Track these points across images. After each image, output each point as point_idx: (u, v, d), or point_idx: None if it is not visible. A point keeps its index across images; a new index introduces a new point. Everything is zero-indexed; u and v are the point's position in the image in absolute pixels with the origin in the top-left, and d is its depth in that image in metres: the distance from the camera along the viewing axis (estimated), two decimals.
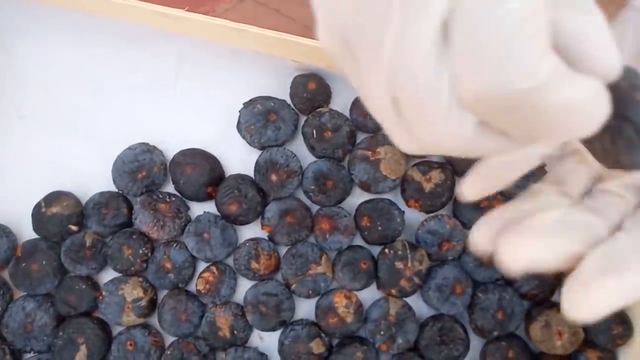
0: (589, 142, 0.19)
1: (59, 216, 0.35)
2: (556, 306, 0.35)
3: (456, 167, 0.36)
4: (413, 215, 0.36)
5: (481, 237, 0.21)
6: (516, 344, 0.34)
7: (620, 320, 0.34)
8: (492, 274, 0.35)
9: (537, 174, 0.29)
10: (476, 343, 0.36)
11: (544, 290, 0.35)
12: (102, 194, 0.36)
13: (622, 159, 0.18)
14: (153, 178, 0.35)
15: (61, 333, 0.34)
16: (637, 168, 0.18)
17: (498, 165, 0.22)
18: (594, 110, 0.16)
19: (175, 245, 0.35)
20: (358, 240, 0.36)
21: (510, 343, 0.34)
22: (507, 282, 0.36)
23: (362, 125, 0.36)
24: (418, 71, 0.15)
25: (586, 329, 0.34)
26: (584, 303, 0.18)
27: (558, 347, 0.33)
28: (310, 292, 0.34)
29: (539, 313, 0.34)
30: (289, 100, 0.36)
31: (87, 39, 0.37)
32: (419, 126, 0.16)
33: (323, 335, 0.34)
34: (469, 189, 0.23)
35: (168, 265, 0.34)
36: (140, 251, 0.34)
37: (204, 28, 0.34)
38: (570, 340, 0.33)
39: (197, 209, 0.36)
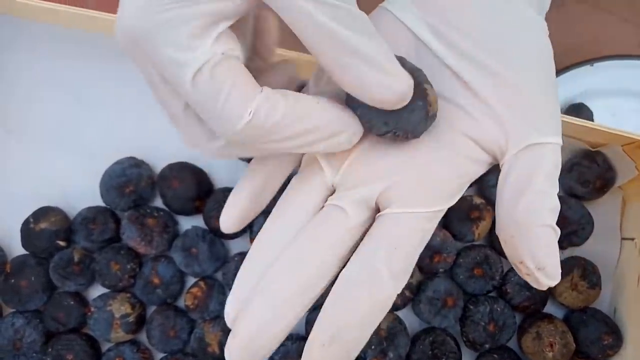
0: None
1: (47, 232, 0.35)
2: (547, 317, 0.34)
3: None
4: None
5: (231, 311, 0.21)
6: (508, 357, 0.34)
7: (610, 331, 0.34)
8: (484, 285, 0.35)
9: None
10: (468, 356, 0.35)
11: (535, 302, 0.35)
12: (89, 209, 0.35)
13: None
14: (141, 192, 0.35)
15: (50, 350, 0.34)
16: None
17: (254, 185, 0.23)
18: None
19: (163, 260, 0.35)
20: None
21: (502, 356, 0.34)
22: (499, 294, 0.36)
23: None
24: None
25: (577, 339, 0.34)
26: None
27: (549, 358, 0.33)
28: None
29: (530, 325, 0.34)
30: None
31: (74, 53, 0.37)
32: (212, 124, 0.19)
33: None
34: (227, 219, 0.23)
35: (156, 280, 0.34)
36: (128, 266, 0.34)
37: None
38: (561, 352, 0.33)
39: (185, 223, 0.36)
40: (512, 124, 0.21)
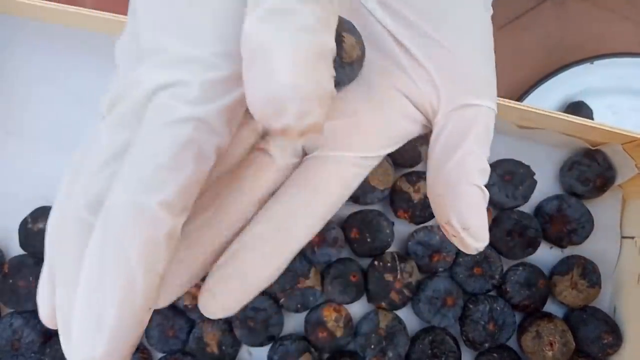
0: None
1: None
2: (547, 316, 0.34)
3: None
4: (403, 227, 0.36)
5: None
6: (508, 356, 0.34)
7: (610, 330, 0.34)
8: (483, 285, 0.35)
9: None
10: (468, 355, 0.35)
11: (535, 301, 0.35)
12: None
13: None
14: None
15: (48, 350, 0.34)
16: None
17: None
18: None
19: None
20: (347, 253, 0.36)
21: (501, 355, 0.34)
22: (499, 293, 0.36)
23: None
24: None
25: (577, 338, 0.34)
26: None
27: (549, 357, 0.33)
28: (299, 306, 0.34)
29: (530, 324, 0.34)
30: None
31: (72, 52, 0.37)
32: None
33: (312, 350, 0.34)
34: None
35: None
36: None
37: None
38: (561, 351, 0.33)
39: None
40: (444, 84, 0.21)
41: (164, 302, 0.20)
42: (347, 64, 0.21)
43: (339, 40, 0.21)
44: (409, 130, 0.22)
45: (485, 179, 0.21)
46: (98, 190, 0.16)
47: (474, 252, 0.21)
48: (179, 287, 0.20)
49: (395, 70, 0.22)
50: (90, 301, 0.15)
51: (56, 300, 0.17)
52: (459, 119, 0.21)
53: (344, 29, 0.21)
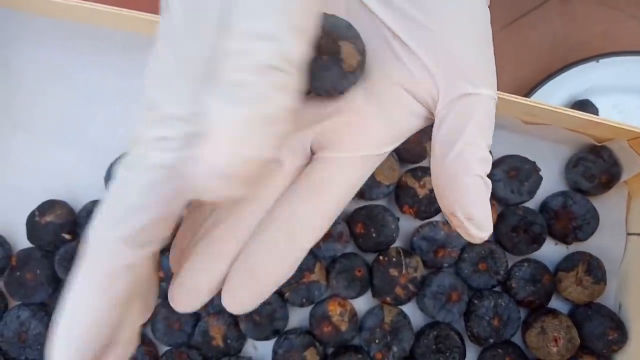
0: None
1: (53, 225, 0.35)
2: (552, 312, 0.34)
3: None
4: (408, 222, 0.36)
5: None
6: (512, 351, 0.34)
7: (615, 326, 0.34)
8: (488, 280, 0.35)
9: None
10: (472, 351, 0.35)
11: (540, 296, 0.35)
12: (95, 202, 0.36)
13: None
14: None
15: None
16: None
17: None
18: None
19: (167, 253, 0.35)
20: (352, 248, 0.36)
21: (506, 350, 0.34)
22: (504, 289, 0.36)
23: None
24: None
25: (582, 335, 0.34)
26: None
27: (554, 353, 0.33)
28: (304, 300, 0.34)
29: (535, 319, 0.34)
30: None
31: (78, 47, 0.37)
32: None
33: (317, 344, 0.34)
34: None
35: (160, 274, 0.34)
36: None
37: None
38: (566, 347, 0.33)
39: None
40: (441, 75, 0.21)
41: (192, 307, 0.22)
42: (348, 73, 0.21)
43: (336, 50, 0.21)
44: (413, 125, 0.23)
45: (487, 167, 0.21)
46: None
47: (479, 242, 0.21)
48: (207, 291, 0.21)
49: (394, 63, 0.22)
50: (66, 320, 0.18)
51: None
52: (459, 109, 0.21)
53: (340, 37, 0.21)
